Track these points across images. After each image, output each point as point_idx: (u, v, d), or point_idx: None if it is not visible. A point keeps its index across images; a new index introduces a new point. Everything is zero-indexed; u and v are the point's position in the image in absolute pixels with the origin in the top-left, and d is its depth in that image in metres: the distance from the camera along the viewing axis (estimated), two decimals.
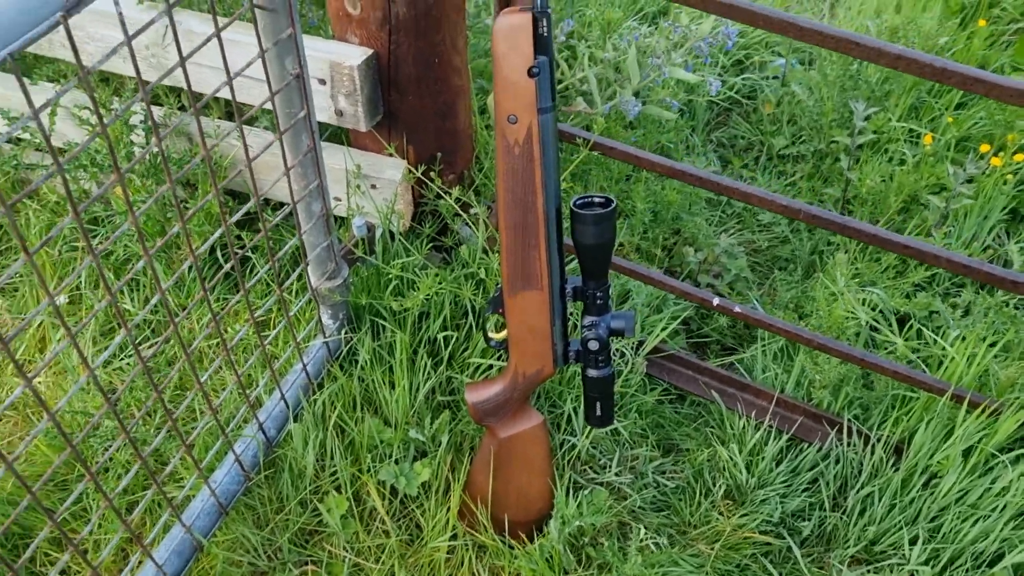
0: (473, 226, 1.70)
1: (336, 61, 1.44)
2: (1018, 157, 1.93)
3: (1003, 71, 2.44)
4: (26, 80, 1.80)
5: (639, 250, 2.08)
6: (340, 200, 1.68)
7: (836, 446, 1.59)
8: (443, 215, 1.66)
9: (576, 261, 1.35)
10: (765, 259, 2.29)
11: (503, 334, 1.36)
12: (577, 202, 1.25)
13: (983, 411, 1.42)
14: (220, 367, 1.49)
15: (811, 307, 1.99)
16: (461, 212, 1.65)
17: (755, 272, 2.24)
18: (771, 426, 1.63)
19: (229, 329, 1.72)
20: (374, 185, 1.64)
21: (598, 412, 1.40)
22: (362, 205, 1.66)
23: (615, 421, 1.60)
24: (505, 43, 1.13)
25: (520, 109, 1.17)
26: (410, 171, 1.62)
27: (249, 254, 1.79)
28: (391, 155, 1.62)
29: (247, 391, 1.56)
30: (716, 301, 1.55)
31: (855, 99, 2.29)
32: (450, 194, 1.61)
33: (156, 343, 1.74)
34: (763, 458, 1.57)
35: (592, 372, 1.36)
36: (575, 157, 1.58)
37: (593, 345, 1.32)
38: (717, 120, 2.65)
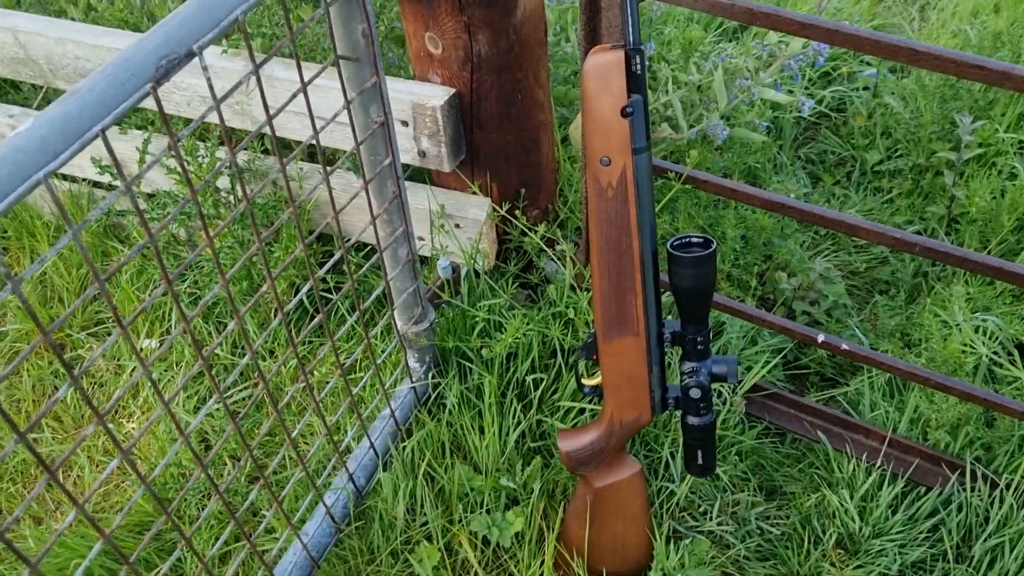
0: (559, 262, 1.65)
1: (418, 102, 1.41)
2: None
3: None
4: (115, 128, 1.84)
5: (730, 278, 2.00)
6: (424, 240, 1.66)
7: (958, 491, 1.47)
8: (528, 252, 1.62)
9: (673, 303, 1.29)
10: (864, 281, 2.17)
11: (597, 380, 1.30)
12: (674, 243, 1.19)
13: None
14: (308, 415, 1.47)
15: (918, 334, 1.87)
16: (546, 248, 1.60)
17: (853, 297, 2.12)
18: (884, 469, 1.52)
19: (316, 372, 1.70)
20: (458, 224, 1.60)
21: (699, 460, 1.33)
22: (446, 244, 1.63)
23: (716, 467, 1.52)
24: (596, 83, 1.08)
25: (613, 151, 1.11)
26: (494, 209, 1.58)
27: (332, 295, 1.77)
28: (474, 193, 1.59)
29: (336, 439, 1.54)
30: (821, 338, 1.46)
31: (958, 110, 2.16)
32: (535, 231, 1.56)
33: (247, 402, 1.74)
34: (877, 504, 1.47)
35: (693, 419, 1.29)
36: (667, 192, 1.52)
37: (695, 393, 1.25)
38: (805, 135, 2.54)
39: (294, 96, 0.97)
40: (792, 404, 1.62)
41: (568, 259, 1.58)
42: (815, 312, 1.99)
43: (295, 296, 1.77)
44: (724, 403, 1.61)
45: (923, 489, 1.51)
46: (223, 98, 0.85)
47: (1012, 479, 1.44)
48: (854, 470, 1.53)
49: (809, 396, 1.73)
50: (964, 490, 1.46)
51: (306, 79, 0.96)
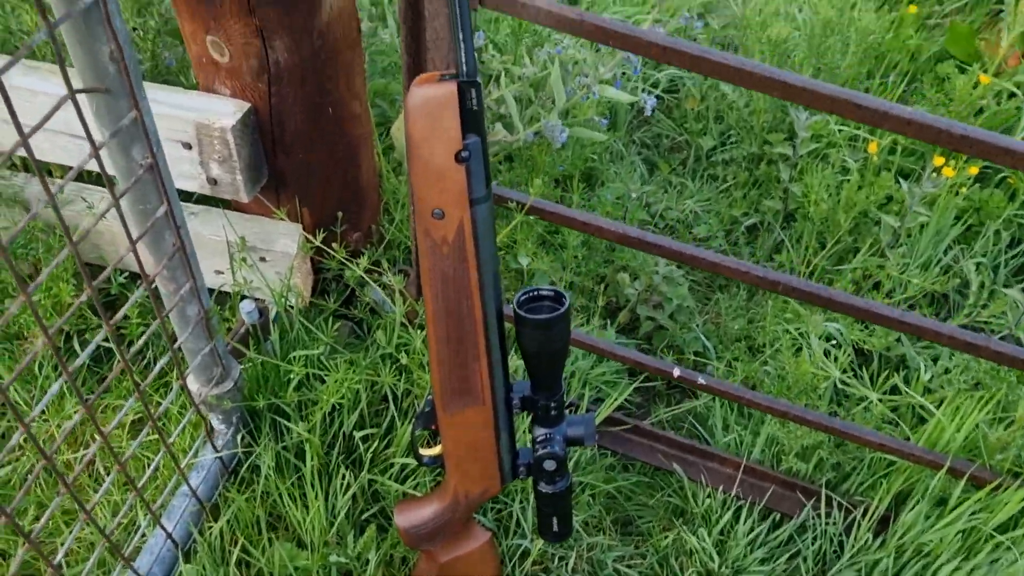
0: (386, 295, 1.44)
1: (204, 122, 1.14)
2: (972, 170, 1.79)
3: (936, 60, 2.31)
4: None
5: (572, 286, 1.86)
6: (222, 272, 1.39)
7: (814, 519, 1.42)
8: (350, 285, 1.40)
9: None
10: (703, 277, 2.10)
11: (437, 450, 1.12)
12: (521, 300, 1.01)
13: (978, 485, 1.27)
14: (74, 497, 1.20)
15: (762, 338, 1.82)
16: (369, 280, 1.38)
17: (695, 295, 2.06)
18: (740, 498, 1.45)
19: (91, 438, 1.41)
20: (263, 258, 1.35)
21: (555, 527, 1.19)
22: (250, 279, 1.37)
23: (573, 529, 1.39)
24: (424, 123, 0.87)
25: (448, 202, 0.91)
26: (307, 240, 1.34)
27: (108, 344, 1.47)
28: (282, 219, 1.34)
29: (118, 531, 1.28)
30: (677, 372, 1.35)
31: (793, 104, 2.11)
32: (356, 262, 1.34)
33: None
34: (736, 542, 1.39)
35: (546, 488, 1.14)
36: (507, 223, 1.34)
37: (549, 465, 1.09)
38: (639, 119, 2.44)
39: (37, 127, 0.69)
40: (646, 435, 1.51)
41: (397, 292, 1.38)
42: (660, 317, 1.90)
43: (73, 348, 1.45)
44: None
45: (779, 516, 1.46)
46: None
47: (866, 501, 1.40)
48: (710, 503, 1.45)
49: (657, 411, 1.64)
50: (819, 517, 1.41)
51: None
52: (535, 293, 1.02)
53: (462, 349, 1.01)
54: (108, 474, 1.38)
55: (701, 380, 1.34)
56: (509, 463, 1.12)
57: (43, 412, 1.45)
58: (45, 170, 1.47)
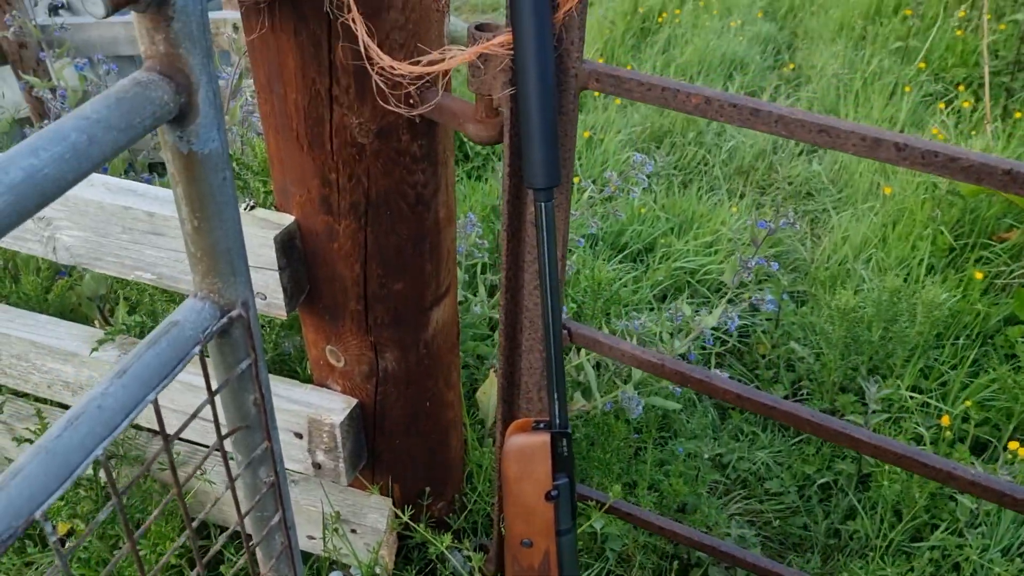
0: (466, 559, 1.50)
1: (315, 417, 1.27)
2: None
3: (1006, 325, 2.36)
4: None
5: (645, 547, 1.89)
6: (315, 539, 1.48)
7: None
8: (431, 555, 1.46)
9: None
10: (775, 532, 2.10)
11: None
12: None
13: None
14: None
15: None
16: (449, 555, 1.45)
17: (766, 550, 2.05)
18: None
19: None
20: (354, 530, 1.44)
21: None
22: (339, 547, 1.45)
23: None
24: (518, 466, 0.97)
25: (536, 533, 1.00)
26: (396, 515, 1.43)
27: None
28: (375, 494, 1.44)
29: None
30: None
31: (863, 374, 2.18)
32: (440, 536, 1.42)
33: None
34: None
35: None
36: (586, 519, 1.41)
37: None
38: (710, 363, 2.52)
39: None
40: None
41: (476, 570, 1.44)
42: None
43: None
44: None
45: None
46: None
47: None
48: None
49: None
50: None
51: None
52: None
53: None
54: None
55: None
56: None
57: None
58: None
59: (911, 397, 2.11)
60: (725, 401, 1.07)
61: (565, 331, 1.13)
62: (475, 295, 1.88)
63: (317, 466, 1.33)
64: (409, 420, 1.35)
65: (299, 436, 1.31)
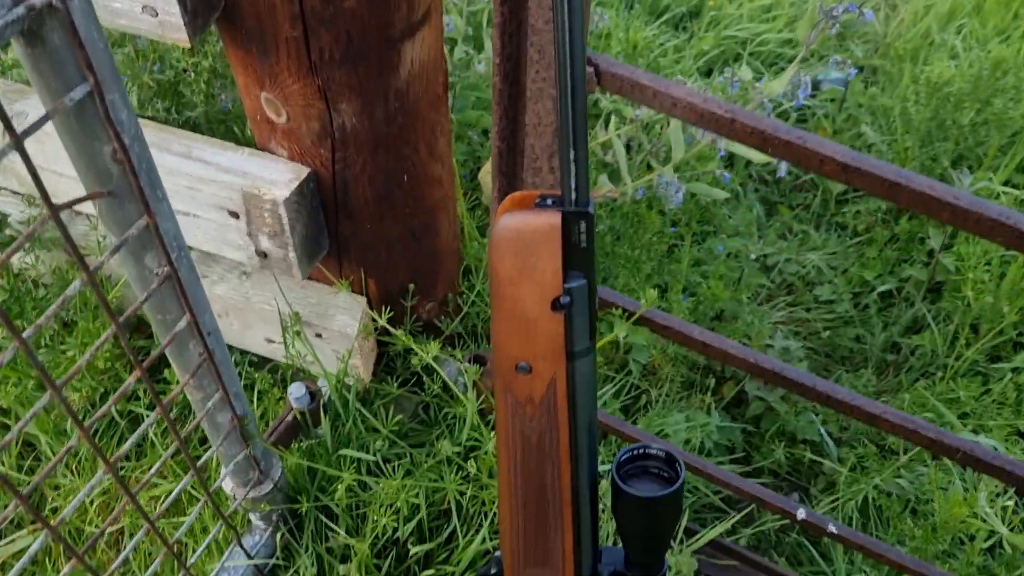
0: (460, 369, 1.23)
1: (252, 192, 0.95)
2: None
3: None
4: None
5: (675, 358, 1.62)
6: (274, 342, 1.22)
7: None
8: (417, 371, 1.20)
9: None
10: (821, 344, 1.84)
11: None
12: (623, 460, 0.79)
13: None
14: None
15: (894, 442, 1.55)
16: (437, 367, 1.17)
17: (812, 365, 1.80)
18: None
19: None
20: (319, 334, 1.16)
21: None
22: (303, 353, 1.19)
23: None
24: (513, 260, 0.66)
25: (536, 356, 0.70)
26: (372, 319, 1.14)
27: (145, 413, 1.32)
28: (343, 291, 1.14)
29: None
30: (802, 515, 1.10)
31: (945, 166, 1.81)
32: (426, 346, 1.13)
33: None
34: None
35: None
36: (609, 329, 1.11)
37: None
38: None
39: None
40: (760, 567, 1.27)
41: (471, 384, 1.17)
42: (770, 398, 1.65)
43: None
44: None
45: None
46: None
47: None
48: None
49: (764, 519, 1.40)
50: None
51: None
52: (639, 451, 0.79)
53: (543, 519, 0.80)
54: None
55: (832, 528, 1.09)
56: None
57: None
58: None
59: (1003, 193, 1.76)
60: (822, 174, 0.73)
61: (590, 68, 0.78)
62: (479, 51, 1.50)
63: (262, 255, 1.03)
64: (381, 197, 1.02)
65: (235, 216, 0.99)
